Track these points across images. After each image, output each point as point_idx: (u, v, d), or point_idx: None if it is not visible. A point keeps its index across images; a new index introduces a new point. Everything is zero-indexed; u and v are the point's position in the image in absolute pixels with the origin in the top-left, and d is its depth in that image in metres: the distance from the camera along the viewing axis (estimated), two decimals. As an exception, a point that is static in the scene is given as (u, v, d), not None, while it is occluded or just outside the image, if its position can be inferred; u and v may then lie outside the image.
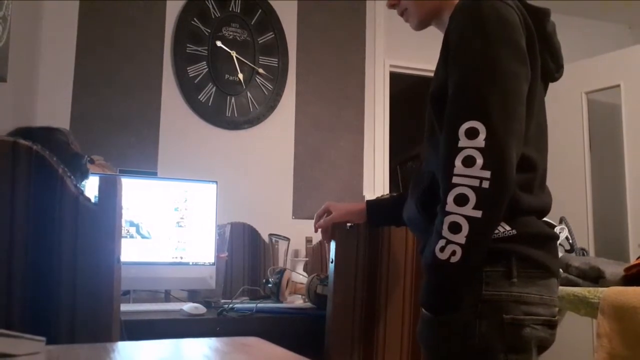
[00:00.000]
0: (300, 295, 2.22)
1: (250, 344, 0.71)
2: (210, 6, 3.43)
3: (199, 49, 3.39)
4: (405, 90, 5.61)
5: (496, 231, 1.13)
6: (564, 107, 3.84)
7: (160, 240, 2.12)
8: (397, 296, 1.74)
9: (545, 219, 2.42)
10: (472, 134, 1.07)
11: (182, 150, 3.32)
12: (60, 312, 0.99)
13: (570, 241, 2.32)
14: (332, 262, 1.66)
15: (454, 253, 1.08)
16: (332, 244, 1.66)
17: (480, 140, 1.06)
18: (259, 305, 1.96)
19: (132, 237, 2.08)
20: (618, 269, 1.89)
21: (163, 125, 3.29)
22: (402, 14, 1.41)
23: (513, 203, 1.13)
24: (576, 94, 3.80)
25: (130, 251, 2.06)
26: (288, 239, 3.21)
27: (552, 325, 1.16)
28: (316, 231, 1.69)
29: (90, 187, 1.77)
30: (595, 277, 1.92)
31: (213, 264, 2.21)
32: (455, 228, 1.07)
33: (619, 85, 3.70)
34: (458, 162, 1.07)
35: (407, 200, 1.34)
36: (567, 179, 3.80)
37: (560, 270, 2.06)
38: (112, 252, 1.04)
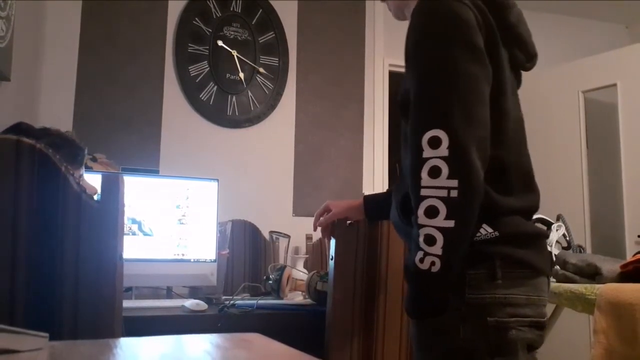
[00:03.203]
0: (300, 292, 2.23)
1: (251, 340, 0.72)
2: (212, 6, 3.44)
3: (201, 48, 3.40)
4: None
5: (478, 234, 1.12)
6: (561, 106, 3.84)
7: (162, 238, 2.14)
8: (396, 292, 1.75)
9: (542, 216, 2.44)
10: (435, 143, 1.05)
11: (184, 149, 3.33)
12: (63, 309, 0.99)
13: (567, 238, 2.33)
14: (332, 259, 1.68)
15: (433, 263, 1.07)
16: (332, 241, 1.68)
17: (444, 149, 1.05)
18: (259, 301, 1.98)
19: (134, 234, 2.10)
20: (614, 265, 1.90)
21: (165, 123, 3.31)
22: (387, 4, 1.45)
23: (492, 206, 1.12)
24: (573, 92, 3.80)
25: (132, 248, 2.08)
26: (288, 236, 3.22)
27: (540, 326, 1.14)
28: (315, 229, 1.71)
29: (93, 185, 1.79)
30: (592, 274, 1.93)
31: (214, 261, 2.23)
32: (430, 240, 1.06)
33: (615, 85, 3.70)
34: (424, 173, 1.06)
35: (392, 204, 1.34)
36: (565, 176, 3.81)
37: (557, 267, 2.07)
38: (115, 249, 1.04)
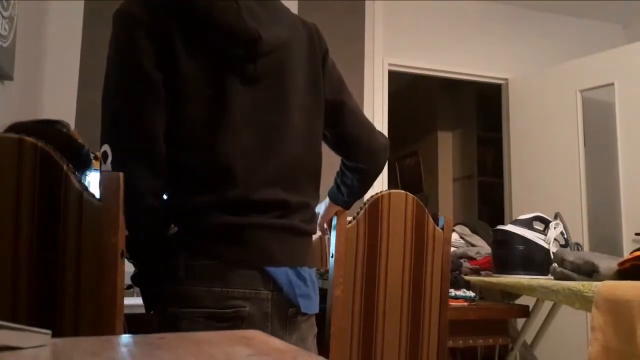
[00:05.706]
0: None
1: (252, 337, 0.71)
2: (212, 4, 3.45)
3: (201, 47, 3.41)
4: (403, 88, 5.62)
5: (169, 232, 1.20)
6: (559, 105, 3.86)
7: (163, 236, 2.15)
8: (396, 290, 1.76)
9: (540, 214, 2.45)
10: (105, 157, 1.13)
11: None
12: (65, 306, 1.00)
13: (565, 236, 2.35)
14: (332, 257, 1.69)
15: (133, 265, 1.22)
16: (332, 239, 1.69)
17: (109, 164, 1.13)
18: (260, 299, 1.98)
19: (135, 232, 2.11)
20: (612, 263, 1.91)
21: (166, 122, 3.32)
22: None
23: (178, 204, 1.19)
24: (571, 92, 3.81)
25: (133, 246, 2.09)
26: (289, 235, 3.22)
27: (222, 317, 1.15)
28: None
29: (95, 183, 1.80)
30: (590, 272, 1.94)
31: (215, 259, 2.23)
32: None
33: (612, 84, 3.71)
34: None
35: None
36: (562, 175, 3.82)
37: (555, 264, 2.09)
38: (116, 247, 1.06)
